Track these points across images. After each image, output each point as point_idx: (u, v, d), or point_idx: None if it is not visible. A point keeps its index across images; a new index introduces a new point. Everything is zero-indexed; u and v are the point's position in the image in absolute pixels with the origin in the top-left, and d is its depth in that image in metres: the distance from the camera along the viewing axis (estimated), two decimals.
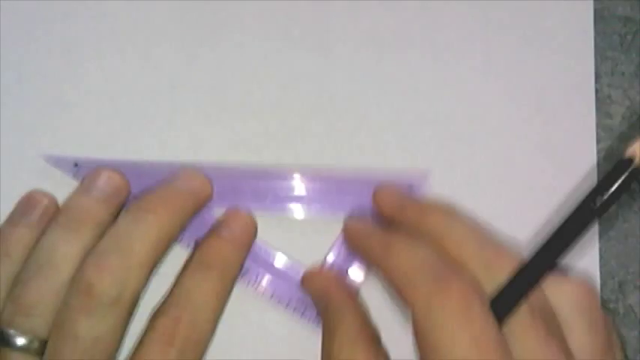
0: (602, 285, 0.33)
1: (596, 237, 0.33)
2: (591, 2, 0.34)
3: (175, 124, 0.33)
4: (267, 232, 0.32)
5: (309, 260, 0.32)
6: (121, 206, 0.31)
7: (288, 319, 0.32)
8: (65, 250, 0.29)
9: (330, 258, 0.32)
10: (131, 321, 0.30)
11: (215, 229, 0.31)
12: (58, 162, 0.32)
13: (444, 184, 0.33)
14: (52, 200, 0.31)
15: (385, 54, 0.34)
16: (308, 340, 0.31)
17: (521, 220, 0.33)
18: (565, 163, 0.33)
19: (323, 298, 0.31)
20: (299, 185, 0.33)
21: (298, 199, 0.33)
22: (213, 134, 0.33)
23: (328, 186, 0.33)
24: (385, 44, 0.34)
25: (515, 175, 0.33)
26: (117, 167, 0.32)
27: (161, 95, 0.33)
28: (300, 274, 0.32)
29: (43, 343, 0.28)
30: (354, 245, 0.32)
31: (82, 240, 0.29)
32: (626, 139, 0.34)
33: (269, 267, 0.32)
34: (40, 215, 0.31)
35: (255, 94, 0.33)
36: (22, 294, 0.29)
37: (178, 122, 0.33)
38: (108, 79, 0.33)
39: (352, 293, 0.31)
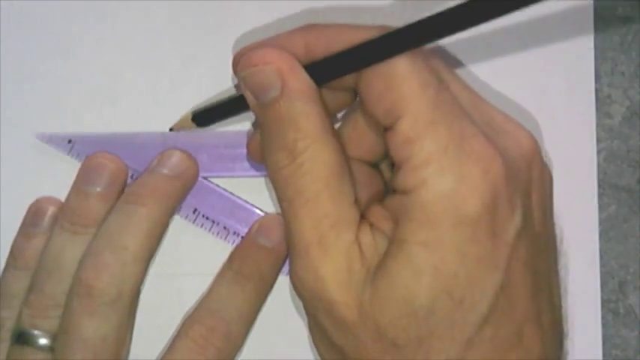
0: (602, 285, 0.33)
1: (596, 237, 0.33)
2: (591, 2, 0.34)
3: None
4: (257, 194, 0.32)
5: None
6: (120, 191, 0.31)
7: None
8: (73, 254, 0.30)
9: None
10: (134, 316, 0.30)
11: (254, 236, 0.31)
12: (51, 139, 0.32)
13: None
14: (59, 204, 0.31)
15: None
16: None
17: None
18: (565, 163, 0.33)
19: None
20: None
21: None
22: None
23: None
24: None
25: None
26: (111, 142, 0.32)
27: (160, 95, 0.33)
28: None
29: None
30: None
31: (88, 241, 0.30)
32: (626, 139, 0.34)
33: None
34: (50, 223, 0.31)
35: None
36: (38, 299, 0.29)
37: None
38: (108, 78, 0.33)
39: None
